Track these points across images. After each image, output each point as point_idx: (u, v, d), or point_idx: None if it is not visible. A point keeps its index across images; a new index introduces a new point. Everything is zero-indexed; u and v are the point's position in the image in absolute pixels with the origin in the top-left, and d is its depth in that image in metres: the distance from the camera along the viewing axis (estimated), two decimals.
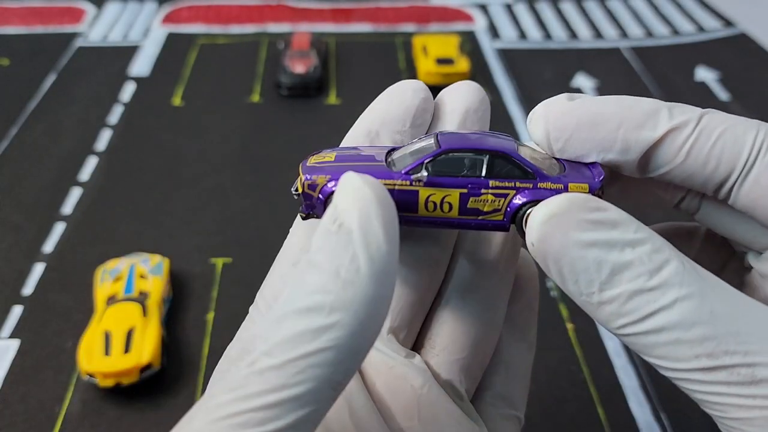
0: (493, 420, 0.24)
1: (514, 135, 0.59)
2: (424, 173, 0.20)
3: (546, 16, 0.81)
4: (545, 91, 0.66)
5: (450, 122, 0.25)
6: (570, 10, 0.82)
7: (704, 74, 0.69)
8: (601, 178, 0.21)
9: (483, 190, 0.20)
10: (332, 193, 0.20)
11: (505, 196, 0.20)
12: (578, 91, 0.66)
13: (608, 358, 0.40)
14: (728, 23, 0.79)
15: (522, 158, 0.20)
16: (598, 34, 0.77)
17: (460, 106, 0.25)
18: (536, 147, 0.23)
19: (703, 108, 0.23)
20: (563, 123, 0.21)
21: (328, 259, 0.18)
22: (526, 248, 0.20)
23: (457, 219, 0.21)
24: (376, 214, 0.18)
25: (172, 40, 0.74)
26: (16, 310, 0.43)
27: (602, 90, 0.66)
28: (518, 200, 0.20)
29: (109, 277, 0.42)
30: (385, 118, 0.24)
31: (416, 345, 0.24)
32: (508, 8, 0.83)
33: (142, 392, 0.38)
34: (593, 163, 0.21)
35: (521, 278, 0.26)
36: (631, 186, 0.23)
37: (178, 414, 0.39)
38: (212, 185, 0.54)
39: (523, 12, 0.82)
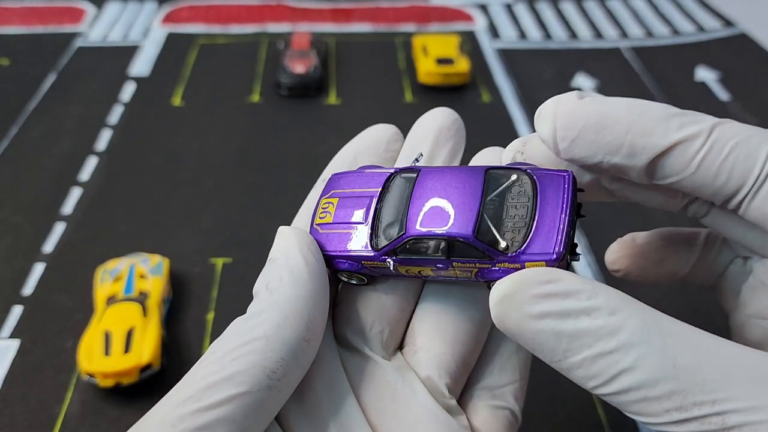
0: (481, 413, 0.24)
1: (514, 135, 0.59)
2: (390, 262, 0.23)
3: (546, 16, 0.81)
4: (545, 91, 0.66)
5: (425, 140, 0.28)
6: (570, 10, 0.82)
7: (704, 74, 0.69)
8: (560, 252, 0.20)
9: (450, 267, 0.22)
10: (338, 270, 0.24)
11: (471, 271, 0.22)
12: (579, 90, 0.66)
13: None
14: (728, 23, 0.79)
15: (479, 243, 0.21)
16: (598, 34, 0.77)
17: (434, 126, 0.28)
18: (517, 156, 0.25)
19: (707, 111, 0.23)
20: (571, 122, 0.21)
21: (262, 281, 0.23)
22: None
23: (436, 278, 0.24)
24: (296, 246, 0.23)
25: (172, 40, 0.74)
26: (16, 310, 0.43)
27: (602, 90, 0.66)
28: (487, 274, 0.22)
29: (109, 277, 0.42)
30: (362, 144, 0.29)
31: (401, 345, 0.26)
32: (508, 8, 0.83)
33: (142, 392, 0.38)
34: (565, 206, 0.21)
35: None
36: (638, 188, 0.23)
37: None
38: (212, 185, 0.54)
39: (523, 12, 0.82)
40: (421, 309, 0.25)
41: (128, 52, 0.72)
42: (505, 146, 0.26)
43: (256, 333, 0.21)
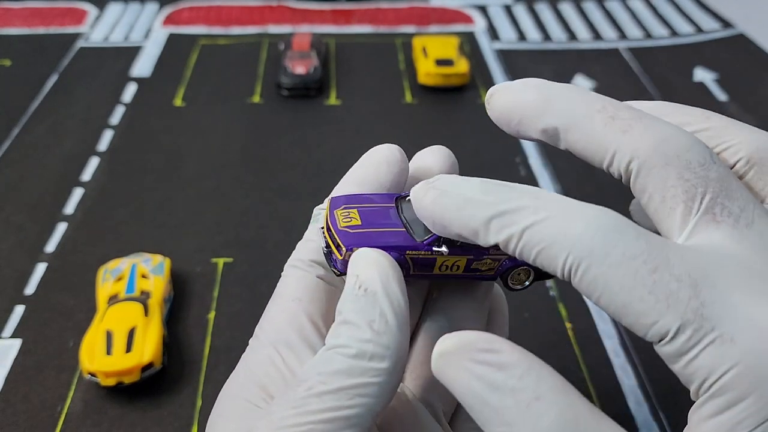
0: None
1: (513, 135, 0.59)
2: (445, 249, 0.24)
3: (545, 17, 0.81)
4: None
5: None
6: (569, 11, 0.82)
7: (703, 75, 0.70)
8: None
9: (485, 256, 0.25)
10: None
11: (499, 260, 0.25)
12: None
13: (607, 358, 0.41)
14: (727, 24, 0.79)
15: None
16: (597, 35, 0.77)
17: (434, 169, 0.29)
18: None
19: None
20: (421, 217, 0.24)
21: (360, 316, 0.22)
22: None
23: (461, 275, 0.26)
24: (394, 278, 0.22)
25: (173, 40, 0.75)
26: (18, 310, 0.43)
27: (601, 90, 0.66)
28: (507, 264, 0.26)
29: (111, 277, 0.42)
30: (363, 183, 0.28)
31: None
32: (508, 9, 0.83)
33: (144, 391, 0.38)
34: None
35: (492, 303, 0.29)
36: None
37: (179, 413, 0.39)
38: (213, 185, 0.54)
39: (522, 13, 0.82)
40: (419, 338, 0.27)
41: (130, 52, 0.72)
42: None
43: (371, 375, 0.21)
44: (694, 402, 0.20)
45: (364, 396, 0.21)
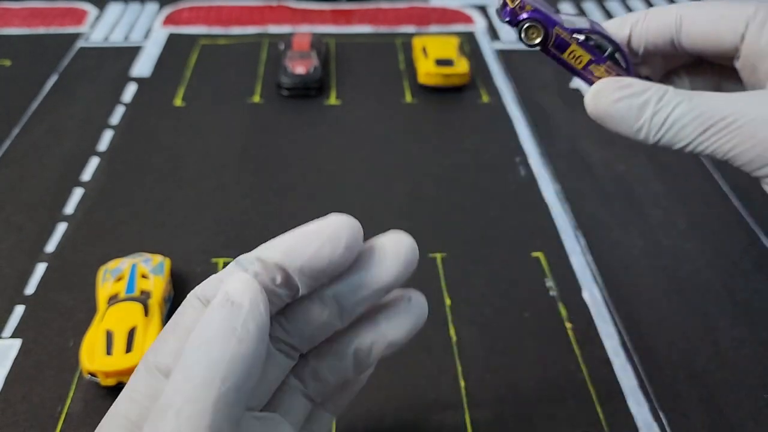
0: None
1: (513, 136, 0.59)
2: (581, 37, 0.31)
3: None
4: (544, 91, 0.66)
5: (387, 272, 0.26)
6: (569, 11, 0.82)
7: None
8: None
9: (602, 64, 0.31)
10: (523, 18, 0.30)
11: (609, 73, 0.31)
12: (577, 91, 0.66)
13: (607, 358, 0.41)
14: None
15: (627, 58, 0.31)
16: None
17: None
18: None
19: None
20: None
21: (224, 322, 0.23)
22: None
23: (578, 70, 0.31)
24: (264, 303, 0.24)
25: (173, 40, 0.75)
26: (18, 310, 0.43)
27: None
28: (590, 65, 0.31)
29: (111, 277, 0.42)
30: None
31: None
32: None
33: None
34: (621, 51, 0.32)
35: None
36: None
37: None
38: (213, 185, 0.54)
39: None
40: None
41: (130, 52, 0.72)
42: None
43: (229, 382, 0.22)
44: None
45: (226, 405, 0.22)
